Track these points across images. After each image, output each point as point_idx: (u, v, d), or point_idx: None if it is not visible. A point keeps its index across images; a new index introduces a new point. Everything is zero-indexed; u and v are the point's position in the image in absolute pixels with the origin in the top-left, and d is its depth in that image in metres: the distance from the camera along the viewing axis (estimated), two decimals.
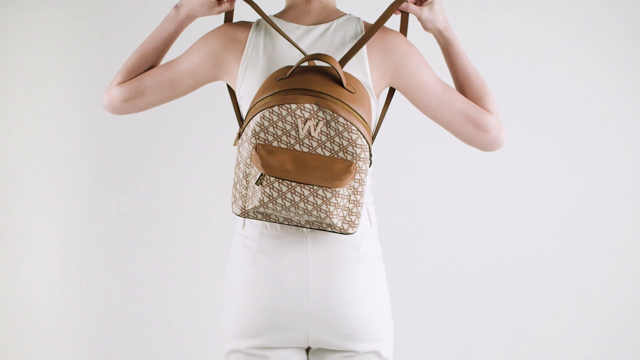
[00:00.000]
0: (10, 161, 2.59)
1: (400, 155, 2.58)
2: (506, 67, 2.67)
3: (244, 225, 1.38)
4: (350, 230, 1.24)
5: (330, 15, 1.39)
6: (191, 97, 1.67)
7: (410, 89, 1.36)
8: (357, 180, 1.22)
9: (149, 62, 1.45)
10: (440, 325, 2.66)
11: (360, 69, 1.33)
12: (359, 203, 1.24)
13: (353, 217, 1.24)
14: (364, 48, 1.33)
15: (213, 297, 2.57)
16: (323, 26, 1.37)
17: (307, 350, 1.41)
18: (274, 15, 1.41)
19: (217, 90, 1.91)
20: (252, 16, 1.60)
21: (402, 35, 1.38)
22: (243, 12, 1.81)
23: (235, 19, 1.49)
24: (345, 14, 1.40)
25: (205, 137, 2.55)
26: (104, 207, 2.59)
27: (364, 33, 1.34)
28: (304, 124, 1.19)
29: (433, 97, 1.36)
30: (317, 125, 1.19)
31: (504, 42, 2.67)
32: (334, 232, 1.24)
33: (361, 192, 1.23)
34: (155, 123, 2.54)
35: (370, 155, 1.24)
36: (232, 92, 1.42)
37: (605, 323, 2.68)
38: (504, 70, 2.66)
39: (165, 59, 1.51)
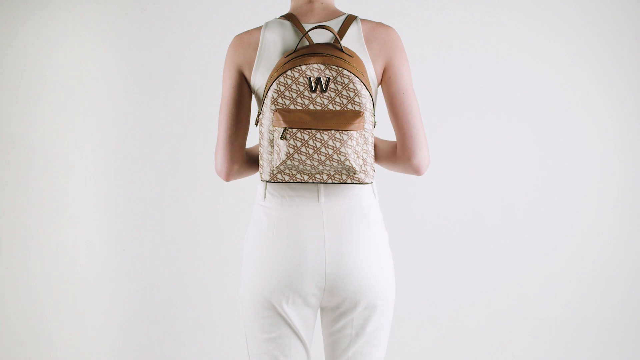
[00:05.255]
0: (54, 142, 2.88)
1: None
2: (497, 64, 2.81)
3: (265, 197, 1.51)
4: (367, 180, 1.37)
5: (331, 14, 1.53)
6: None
7: (396, 74, 1.50)
8: (367, 130, 1.36)
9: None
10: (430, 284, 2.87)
11: (363, 56, 1.49)
12: (370, 154, 1.38)
13: (368, 167, 1.37)
14: (363, 40, 1.49)
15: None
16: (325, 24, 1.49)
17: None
18: (280, 18, 1.55)
19: None
20: (254, 23, 1.79)
21: (396, 32, 1.54)
22: (245, 21, 2.02)
23: (237, 27, 1.74)
24: (345, 13, 1.54)
25: None
26: (138, 179, 2.86)
27: (362, 30, 1.49)
28: (315, 81, 1.34)
29: (409, 87, 1.52)
30: (326, 83, 1.34)
31: (504, 42, 2.81)
32: (353, 182, 1.37)
33: (371, 143, 1.38)
34: (192, 111, 2.80)
35: (374, 114, 1.40)
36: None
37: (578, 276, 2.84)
38: (495, 68, 2.80)
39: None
